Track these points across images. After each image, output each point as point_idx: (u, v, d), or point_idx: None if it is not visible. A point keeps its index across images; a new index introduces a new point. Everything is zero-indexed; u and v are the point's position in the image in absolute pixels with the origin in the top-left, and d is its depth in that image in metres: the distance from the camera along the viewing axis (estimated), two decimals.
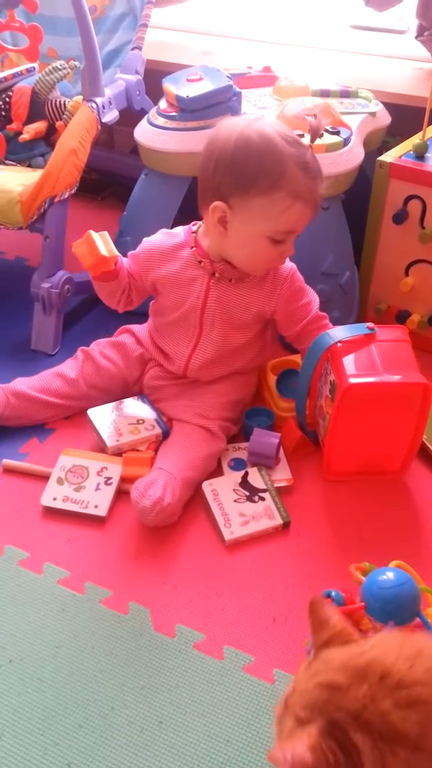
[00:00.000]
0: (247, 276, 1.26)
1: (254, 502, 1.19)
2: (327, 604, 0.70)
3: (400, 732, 0.57)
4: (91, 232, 1.21)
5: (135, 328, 1.42)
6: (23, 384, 1.34)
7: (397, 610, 0.89)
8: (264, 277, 1.26)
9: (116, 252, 1.23)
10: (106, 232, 1.22)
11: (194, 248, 1.26)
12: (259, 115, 1.26)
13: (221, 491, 1.20)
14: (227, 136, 1.15)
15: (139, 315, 1.42)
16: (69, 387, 1.34)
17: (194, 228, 1.29)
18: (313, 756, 0.56)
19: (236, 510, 1.18)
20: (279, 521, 1.17)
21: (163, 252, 1.28)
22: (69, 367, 1.37)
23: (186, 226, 1.30)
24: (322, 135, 1.22)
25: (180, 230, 1.30)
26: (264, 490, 1.21)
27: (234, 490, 1.21)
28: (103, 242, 1.21)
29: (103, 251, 1.20)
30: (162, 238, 1.30)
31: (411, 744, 0.57)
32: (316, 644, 0.68)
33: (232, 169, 1.14)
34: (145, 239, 1.31)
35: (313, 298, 1.31)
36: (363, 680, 0.59)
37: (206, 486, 1.21)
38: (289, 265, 1.28)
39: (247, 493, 1.20)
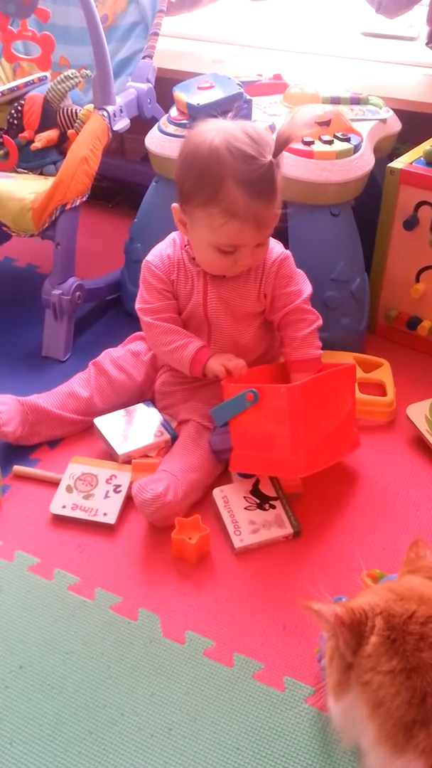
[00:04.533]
0: None
1: (265, 510, 1.19)
2: (425, 547, 0.81)
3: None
4: None
5: None
6: (40, 400, 1.33)
7: None
8: (256, 266, 1.26)
9: None
10: None
11: (187, 246, 1.28)
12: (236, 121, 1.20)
13: (232, 498, 1.20)
14: (185, 143, 1.19)
15: None
16: (85, 405, 1.34)
17: None
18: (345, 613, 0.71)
19: (246, 518, 1.18)
20: (290, 530, 1.17)
21: (168, 254, 1.30)
22: (80, 386, 1.36)
23: (176, 231, 1.32)
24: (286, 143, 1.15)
25: (173, 234, 1.32)
26: (275, 498, 1.21)
27: (245, 497, 1.20)
28: None
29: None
30: (160, 246, 1.32)
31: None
32: (405, 570, 0.80)
33: (179, 177, 1.19)
34: (146, 259, 1.31)
35: (303, 289, 1.29)
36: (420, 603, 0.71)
37: (217, 493, 1.21)
38: (281, 251, 1.28)
39: (258, 501, 1.20)
